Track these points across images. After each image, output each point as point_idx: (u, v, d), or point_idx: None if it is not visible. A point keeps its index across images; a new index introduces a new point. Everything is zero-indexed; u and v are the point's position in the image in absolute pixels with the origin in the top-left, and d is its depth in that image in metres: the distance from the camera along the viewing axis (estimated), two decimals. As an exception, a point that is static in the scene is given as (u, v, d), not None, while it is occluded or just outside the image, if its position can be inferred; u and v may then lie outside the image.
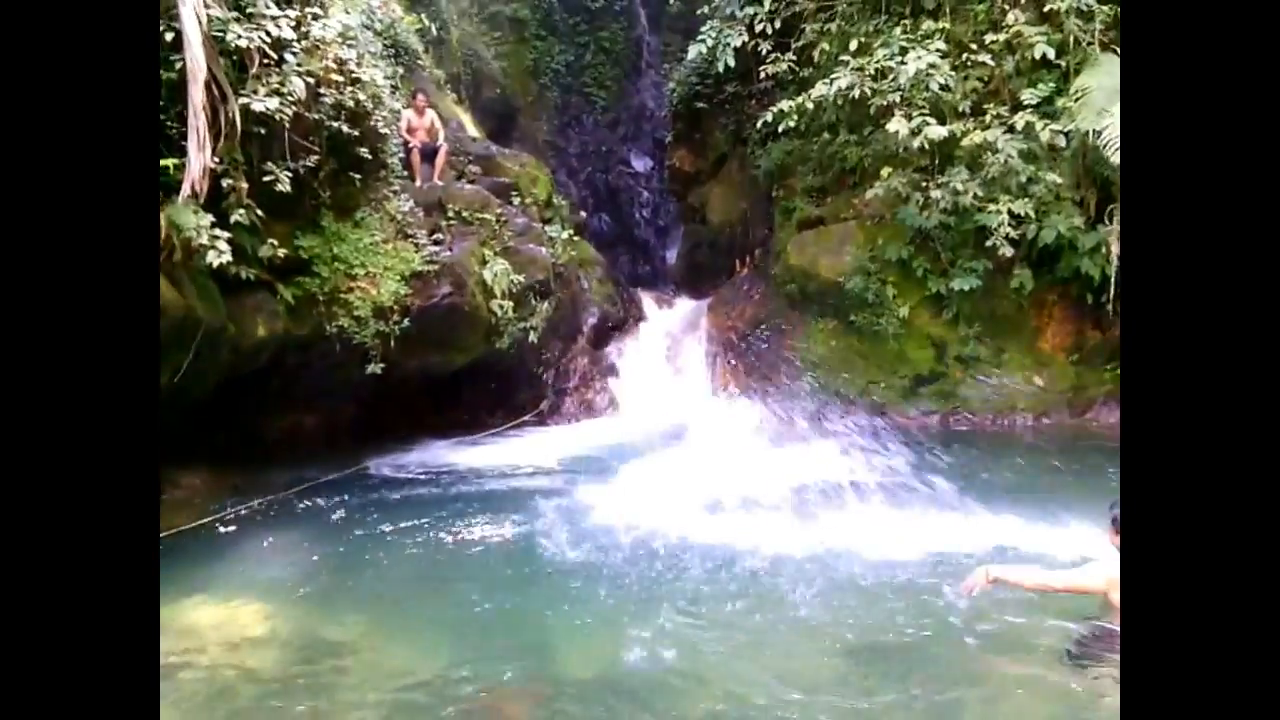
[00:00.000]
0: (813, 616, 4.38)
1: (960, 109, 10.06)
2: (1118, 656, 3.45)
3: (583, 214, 15.20)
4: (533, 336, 10.54)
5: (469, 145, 12.81)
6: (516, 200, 11.74)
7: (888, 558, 5.13)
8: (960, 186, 9.66)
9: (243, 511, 6.86)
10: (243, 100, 6.64)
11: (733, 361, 12.88)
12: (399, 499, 7.33)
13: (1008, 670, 3.80)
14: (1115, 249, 9.37)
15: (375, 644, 4.25)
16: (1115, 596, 3.45)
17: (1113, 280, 9.47)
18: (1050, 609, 3.95)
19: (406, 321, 8.75)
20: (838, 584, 4.82)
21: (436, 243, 9.49)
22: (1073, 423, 10.00)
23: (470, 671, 3.80)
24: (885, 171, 10.19)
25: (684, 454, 9.07)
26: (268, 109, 6.75)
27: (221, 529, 6.37)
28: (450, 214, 10.25)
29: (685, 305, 14.77)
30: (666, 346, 13.41)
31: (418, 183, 10.62)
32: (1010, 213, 9.46)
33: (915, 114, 9.79)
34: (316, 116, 7.60)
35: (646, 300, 14.72)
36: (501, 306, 9.94)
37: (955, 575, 4.50)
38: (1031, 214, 9.50)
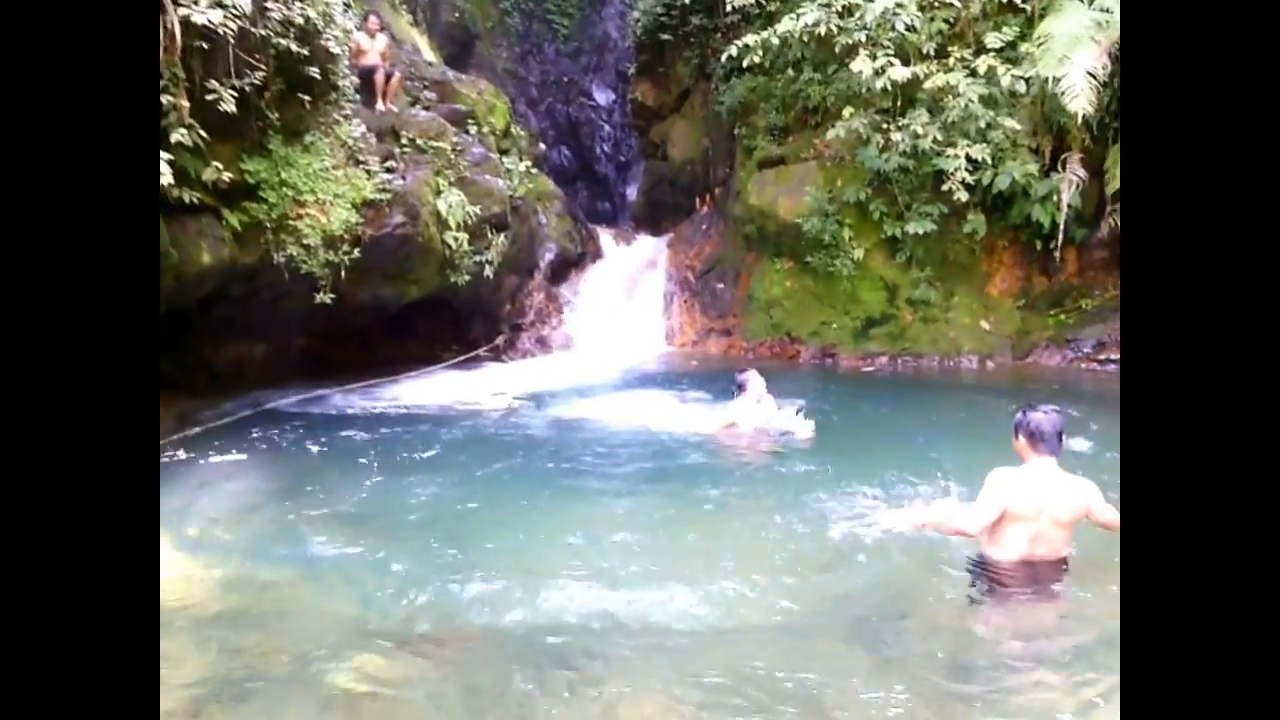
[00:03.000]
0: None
1: (925, 50, 10.01)
2: (1002, 583, 3.65)
3: (542, 146, 14.88)
4: (488, 271, 10.41)
5: (425, 70, 12.37)
6: (473, 129, 11.43)
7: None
8: (920, 129, 9.67)
9: (190, 439, 6.77)
10: (183, 11, 6.30)
11: (690, 301, 12.94)
12: (349, 430, 7.30)
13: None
14: (1066, 197, 9.53)
15: (322, 574, 4.27)
16: (1013, 507, 3.55)
17: (1061, 228, 9.65)
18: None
19: (357, 251, 8.56)
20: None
21: (389, 170, 9.23)
22: (1016, 365, 10.30)
23: (415, 601, 3.86)
24: (847, 112, 10.15)
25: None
26: (210, 22, 6.42)
27: (166, 457, 6.29)
28: (404, 141, 9.95)
29: (645, 243, 14.71)
30: (625, 284, 13.39)
31: (378, 107, 10.17)
32: (968, 158, 9.53)
33: (880, 54, 9.72)
34: (263, 32, 7.24)
35: (605, 237, 14.62)
36: (456, 239, 9.78)
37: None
38: (988, 160, 9.59)
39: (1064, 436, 3.63)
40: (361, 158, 8.99)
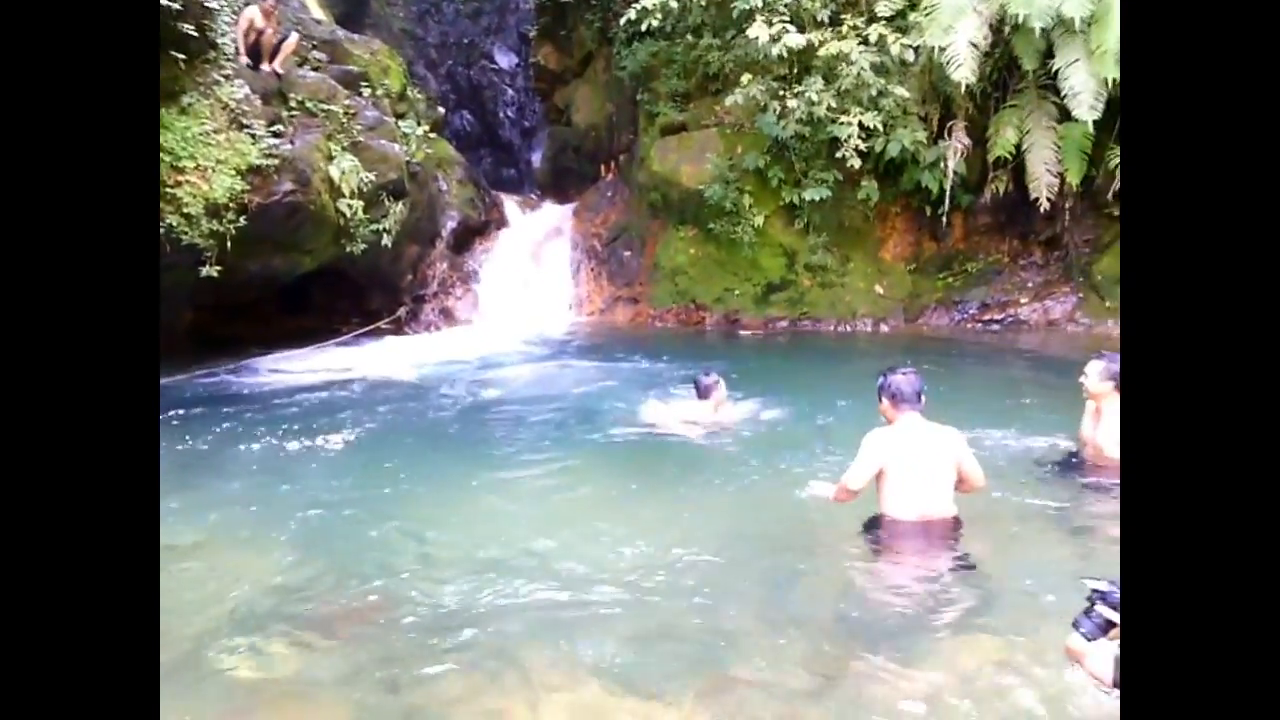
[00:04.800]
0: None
1: (819, 18, 10.19)
2: (900, 542, 3.86)
3: (441, 110, 14.45)
4: (386, 240, 10.12)
5: (313, 28, 11.80)
6: (367, 92, 11.00)
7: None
8: (815, 97, 9.87)
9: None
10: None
11: (597, 269, 12.92)
12: (240, 408, 7.04)
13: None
14: (952, 164, 9.93)
15: (217, 550, 4.16)
16: (890, 464, 3.74)
17: (948, 194, 10.07)
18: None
19: (244, 220, 8.19)
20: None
21: (276, 135, 8.82)
22: (907, 328, 10.76)
23: (311, 575, 3.81)
24: (745, 78, 10.25)
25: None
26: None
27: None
28: (292, 104, 9.51)
29: (551, 210, 14.57)
30: (531, 253, 13.26)
31: (263, 67, 9.46)
32: (860, 125, 9.79)
33: (776, 20, 9.84)
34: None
35: (510, 204, 14.40)
36: (351, 206, 9.46)
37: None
38: (880, 127, 9.88)
39: (923, 394, 3.85)
40: (245, 121, 8.56)
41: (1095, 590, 2.36)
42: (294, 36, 9.74)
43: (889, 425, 3.87)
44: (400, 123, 11.30)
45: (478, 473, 5.26)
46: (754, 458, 5.28)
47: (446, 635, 3.23)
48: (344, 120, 9.94)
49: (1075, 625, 2.40)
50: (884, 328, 10.77)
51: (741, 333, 10.92)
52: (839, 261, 10.99)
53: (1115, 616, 2.30)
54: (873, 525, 3.93)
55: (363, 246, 9.79)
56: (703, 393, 6.06)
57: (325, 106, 9.77)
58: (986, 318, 10.56)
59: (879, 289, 11.03)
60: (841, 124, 9.82)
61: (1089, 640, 2.40)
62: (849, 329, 10.81)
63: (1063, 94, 9.32)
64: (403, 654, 3.14)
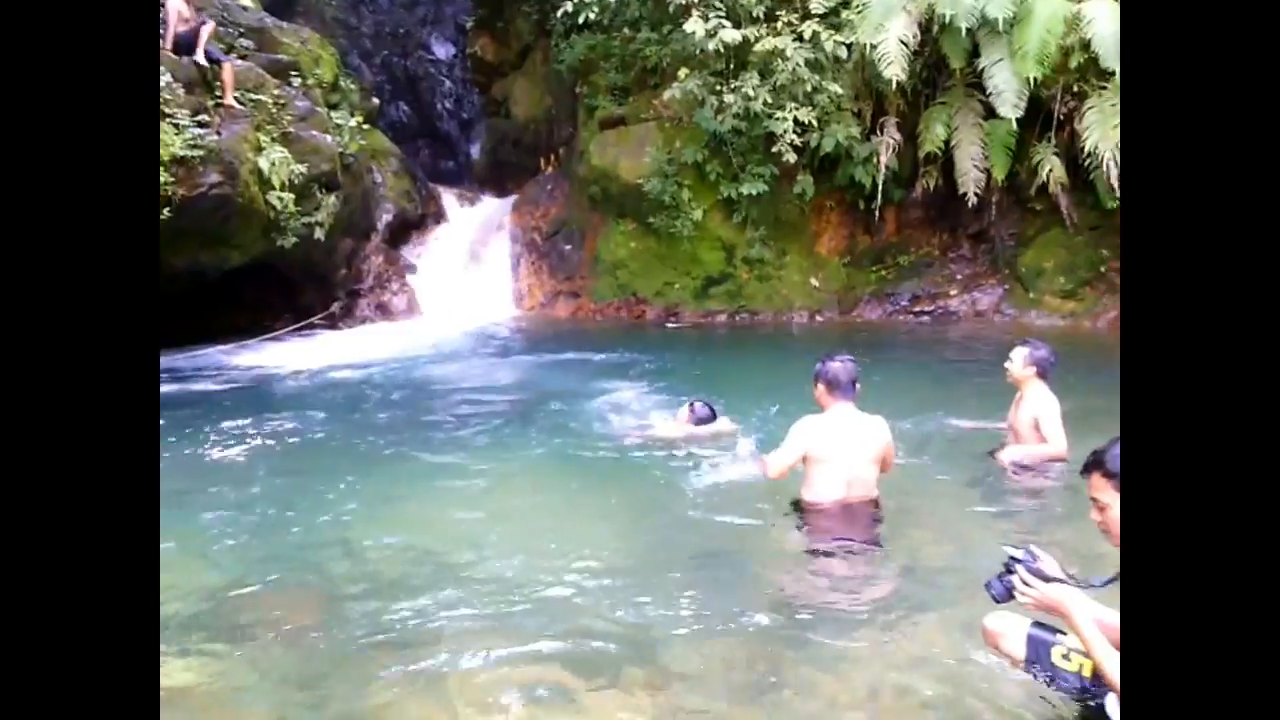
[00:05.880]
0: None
1: (754, 14, 10.29)
2: (821, 524, 3.96)
3: (375, 101, 14.18)
4: (319, 233, 9.89)
5: (239, 15, 11.44)
6: (297, 81, 10.71)
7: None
8: (751, 92, 9.98)
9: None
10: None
11: (537, 263, 12.86)
12: (164, 408, 6.81)
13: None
14: (884, 159, 10.17)
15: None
16: (815, 450, 3.83)
17: (880, 189, 10.31)
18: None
19: (168, 213, 7.91)
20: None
21: (201, 125, 8.54)
22: (842, 319, 10.99)
23: (235, 579, 3.72)
24: (683, 73, 10.31)
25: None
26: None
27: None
28: (218, 93, 9.22)
29: (489, 204, 14.43)
30: (470, 247, 13.12)
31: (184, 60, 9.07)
32: (796, 120, 9.94)
33: (712, 15, 9.91)
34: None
35: (448, 197, 14.22)
36: (281, 199, 9.21)
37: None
38: (814, 122, 10.05)
39: (857, 383, 3.95)
40: (168, 110, 8.26)
41: (1011, 557, 2.46)
42: (210, 24, 9.40)
43: (821, 412, 3.96)
44: (333, 113, 11.04)
45: (412, 474, 5.19)
46: (689, 452, 5.34)
47: (377, 641, 3.16)
48: (274, 111, 9.67)
49: (987, 587, 2.50)
50: (820, 319, 10.98)
51: (669, 325, 10.99)
52: (776, 255, 11.15)
53: (1026, 584, 2.40)
54: (797, 510, 4.02)
55: (294, 240, 9.55)
56: (691, 409, 5.65)
57: (253, 96, 9.50)
58: (918, 309, 10.86)
59: (815, 282, 11.24)
60: (777, 119, 9.95)
61: (997, 603, 2.50)
62: (786, 321, 10.99)
63: (988, 92, 9.62)
64: (331, 660, 3.07)
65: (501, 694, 2.80)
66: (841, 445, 3.87)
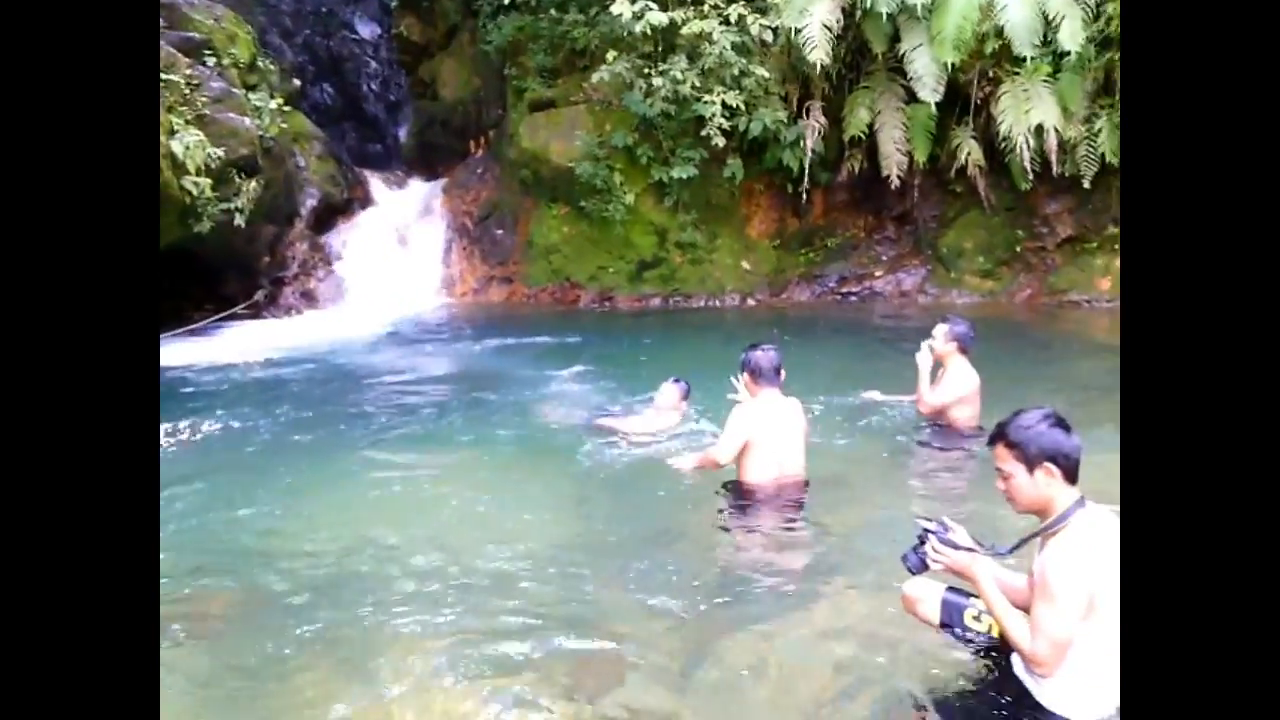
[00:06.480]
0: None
1: (682, -3, 10.30)
2: (756, 504, 4.07)
3: (296, 82, 13.69)
4: (239, 220, 9.57)
5: (146, -9, 10.90)
6: (211, 61, 10.28)
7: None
8: (680, 75, 10.01)
9: None
10: None
11: (469, 248, 12.68)
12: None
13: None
14: (810, 142, 10.34)
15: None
16: (755, 436, 3.95)
17: (807, 172, 10.49)
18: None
19: (73, 200, 7.54)
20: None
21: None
22: (773, 301, 11.18)
23: (165, 574, 3.61)
24: (611, 55, 10.27)
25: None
26: None
27: None
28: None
29: (418, 187, 14.13)
30: (399, 232, 12.85)
31: None
32: (724, 104, 10.01)
33: (639, -2, 9.88)
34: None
35: (375, 181, 13.87)
36: (197, 184, 8.86)
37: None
38: (742, 106, 10.13)
39: (781, 370, 4.07)
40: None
41: (925, 529, 2.58)
42: None
43: (750, 399, 4.07)
44: (251, 95, 10.64)
45: (341, 468, 5.10)
46: (627, 438, 5.38)
47: (304, 636, 3.12)
48: (186, 92, 9.29)
49: (903, 559, 2.62)
50: (751, 302, 11.15)
51: (589, 307, 11.00)
52: (708, 238, 11.25)
53: (939, 555, 2.53)
54: (731, 491, 4.13)
55: (210, 226, 9.21)
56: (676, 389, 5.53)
57: (164, 76, 9.09)
58: (845, 290, 11.12)
59: (746, 265, 11.39)
60: (706, 103, 10.01)
61: (913, 574, 2.63)
62: (718, 304, 11.12)
63: (909, 77, 9.86)
64: (254, 655, 3.03)
65: (432, 684, 2.80)
66: (775, 429, 4.02)
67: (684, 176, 10.53)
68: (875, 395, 5.72)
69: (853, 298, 11.06)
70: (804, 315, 10.32)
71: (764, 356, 4.03)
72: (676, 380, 5.52)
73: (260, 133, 10.28)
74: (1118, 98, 9.91)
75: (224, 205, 9.36)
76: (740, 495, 4.09)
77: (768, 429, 4.00)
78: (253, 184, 9.90)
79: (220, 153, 9.22)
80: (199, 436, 5.66)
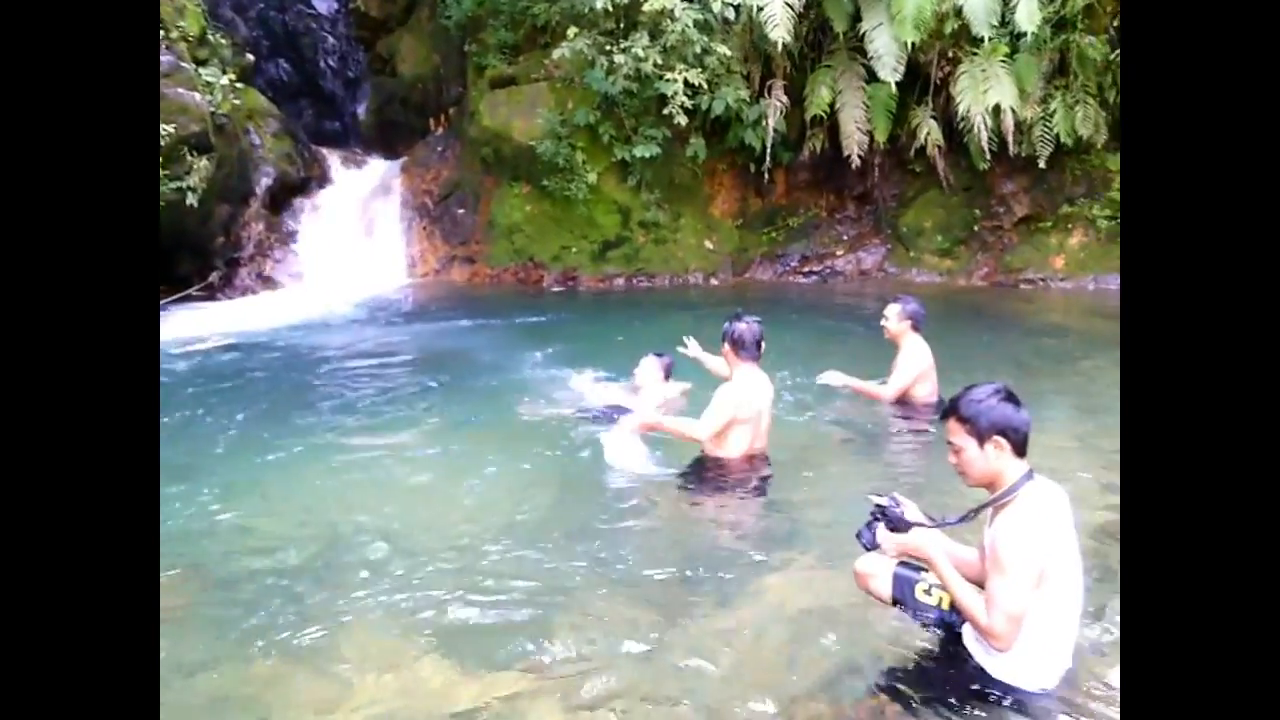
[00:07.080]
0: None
1: (644, -27, 10.19)
2: (724, 478, 4.13)
3: (250, 57, 13.32)
4: (191, 199, 9.33)
5: (88, -39, 10.50)
6: (159, 35, 9.97)
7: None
8: (642, 53, 9.93)
9: None
10: None
11: (430, 228, 12.52)
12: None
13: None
14: (772, 121, 10.35)
15: None
16: (739, 414, 3.99)
17: (769, 151, 10.51)
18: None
19: (15, 178, 7.29)
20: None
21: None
22: (736, 280, 11.23)
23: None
24: (571, 32, 10.16)
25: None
26: None
27: None
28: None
29: (377, 166, 13.87)
30: (358, 211, 12.63)
31: None
32: (686, 82, 9.97)
33: (600, -27, 9.77)
34: None
35: (333, 159, 13.59)
36: (146, 163, 8.62)
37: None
38: (705, 85, 10.10)
39: (762, 343, 4.10)
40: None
41: (877, 505, 2.63)
42: None
43: (729, 374, 4.12)
44: (201, 70, 10.33)
45: (299, 446, 5.05)
46: (593, 416, 5.38)
47: (261, 621, 3.10)
48: (132, 66, 8.98)
49: (857, 536, 2.68)
50: (714, 281, 11.18)
51: (554, 289, 10.96)
52: (671, 218, 11.24)
53: (887, 544, 2.58)
54: (698, 464, 4.18)
55: (161, 205, 8.96)
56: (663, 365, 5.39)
57: (108, 50, 8.78)
58: (807, 269, 11.21)
59: (709, 244, 11.41)
60: (668, 81, 9.96)
61: (867, 550, 2.69)
62: (681, 283, 11.13)
63: (869, 56, 9.91)
64: (212, 636, 3.02)
65: (394, 666, 2.80)
66: (756, 405, 4.07)
67: (647, 155, 10.48)
68: (837, 378, 5.76)
69: (814, 276, 11.15)
70: (766, 294, 10.39)
71: (747, 329, 4.05)
72: (659, 354, 5.36)
73: (212, 109, 10.00)
74: (1072, 78, 10.08)
75: (175, 184, 9.12)
76: (706, 468, 4.15)
77: (751, 405, 4.07)
78: (204, 162, 9.65)
79: (170, 129, 8.97)
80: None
